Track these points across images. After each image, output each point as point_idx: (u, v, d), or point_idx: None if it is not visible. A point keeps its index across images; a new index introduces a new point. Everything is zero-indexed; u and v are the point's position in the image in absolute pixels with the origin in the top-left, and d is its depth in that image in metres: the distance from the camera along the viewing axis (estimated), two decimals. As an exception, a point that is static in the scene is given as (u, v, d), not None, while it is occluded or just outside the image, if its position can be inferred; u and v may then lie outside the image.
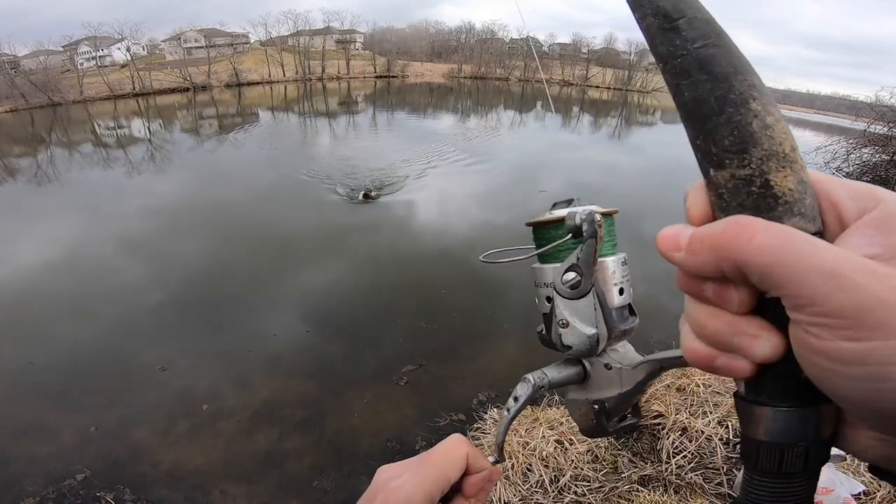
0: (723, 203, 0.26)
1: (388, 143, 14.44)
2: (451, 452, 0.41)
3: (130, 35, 40.32)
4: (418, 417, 3.40)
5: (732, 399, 0.31)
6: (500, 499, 2.41)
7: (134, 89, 33.88)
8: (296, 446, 3.24)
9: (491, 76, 55.72)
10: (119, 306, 4.87)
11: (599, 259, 0.40)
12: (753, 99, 0.25)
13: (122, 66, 38.08)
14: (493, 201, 8.86)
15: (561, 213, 0.41)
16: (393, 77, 50.36)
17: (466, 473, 0.42)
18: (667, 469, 2.42)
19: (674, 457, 2.47)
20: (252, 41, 50.46)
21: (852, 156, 10.04)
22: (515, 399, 0.44)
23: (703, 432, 2.48)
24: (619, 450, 2.54)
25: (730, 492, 2.25)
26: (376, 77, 49.63)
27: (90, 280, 5.49)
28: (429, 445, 2.37)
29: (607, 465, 2.46)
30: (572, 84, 57.87)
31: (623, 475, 2.40)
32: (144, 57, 43.16)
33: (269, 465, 3.12)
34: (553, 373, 0.43)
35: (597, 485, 2.40)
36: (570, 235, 0.39)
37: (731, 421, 2.49)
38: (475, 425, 3.17)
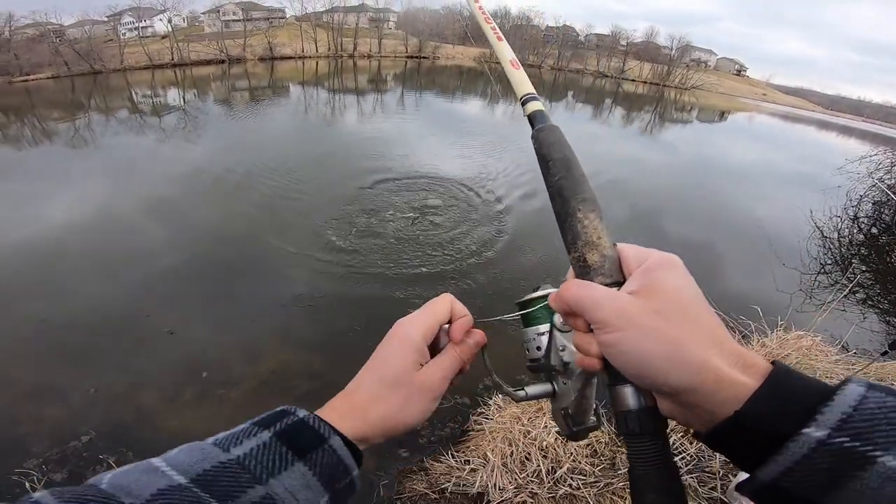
0: (575, 273, 0.45)
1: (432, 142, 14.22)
2: (439, 302, 0.55)
3: (172, 7, 41.08)
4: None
5: None
6: (495, 485, 2.41)
7: (172, 60, 34.53)
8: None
9: (523, 63, 54.41)
10: (137, 267, 5.00)
11: None
12: (580, 211, 0.45)
13: (163, 37, 38.81)
14: (497, 193, 8.57)
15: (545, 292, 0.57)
16: (423, 58, 49.84)
17: (451, 321, 0.54)
18: (664, 469, 2.42)
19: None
20: (288, 16, 50.71)
21: (896, 168, 9.69)
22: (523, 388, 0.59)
23: (705, 437, 2.48)
24: (619, 446, 2.48)
25: (722, 497, 2.22)
26: (407, 57, 49.16)
27: (113, 240, 5.65)
28: (432, 428, 2.57)
29: (605, 460, 2.42)
30: (607, 76, 56.06)
31: (619, 472, 2.36)
32: (184, 28, 43.82)
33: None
34: (531, 389, 0.58)
35: (592, 479, 2.37)
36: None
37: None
38: (478, 410, 3.10)
